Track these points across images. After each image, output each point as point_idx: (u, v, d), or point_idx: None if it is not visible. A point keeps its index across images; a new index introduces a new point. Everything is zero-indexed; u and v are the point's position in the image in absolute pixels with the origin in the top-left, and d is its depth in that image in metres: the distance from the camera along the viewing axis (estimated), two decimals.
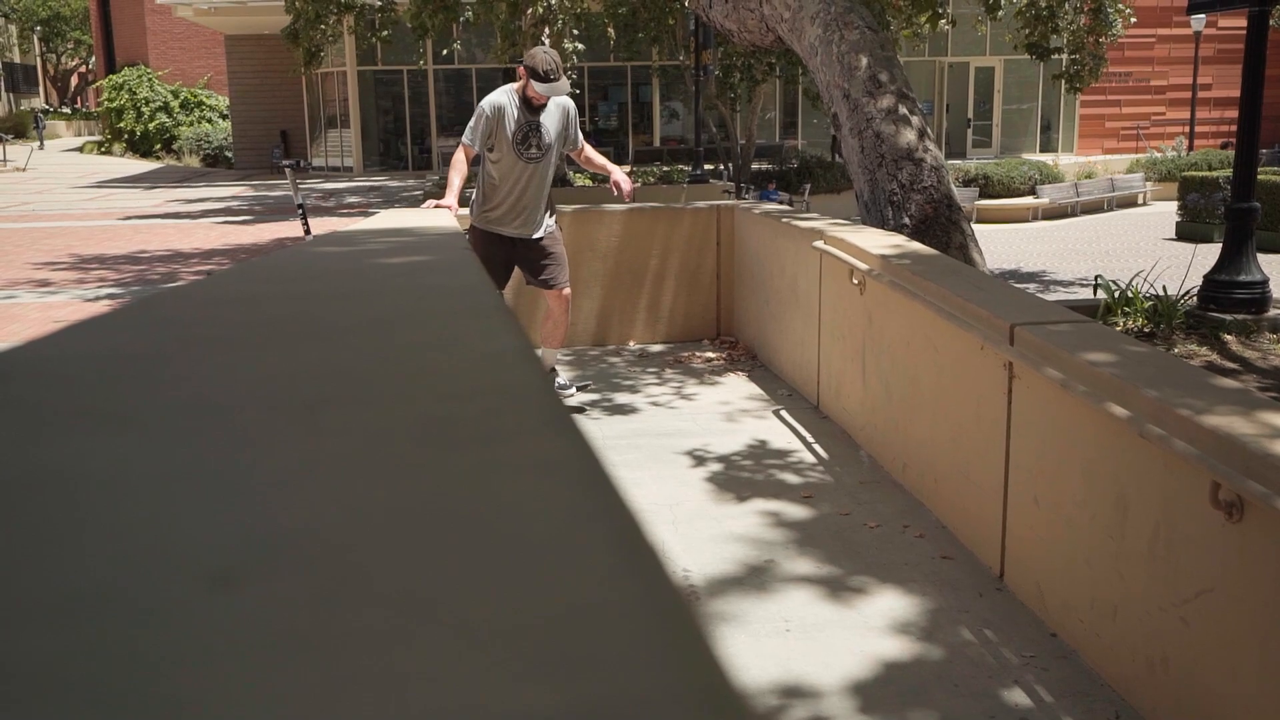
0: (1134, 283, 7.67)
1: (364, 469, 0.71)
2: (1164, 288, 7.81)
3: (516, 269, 6.06)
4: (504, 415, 0.85)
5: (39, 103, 50.37)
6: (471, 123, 5.73)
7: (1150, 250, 16.17)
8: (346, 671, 0.44)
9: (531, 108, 5.68)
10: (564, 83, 5.63)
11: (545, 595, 0.50)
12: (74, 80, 53.38)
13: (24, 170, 30.84)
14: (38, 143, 35.80)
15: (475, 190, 6.00)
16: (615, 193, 5.99)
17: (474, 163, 5.92)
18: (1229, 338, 7.12)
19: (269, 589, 0.51)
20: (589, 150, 6.12)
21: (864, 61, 6.78)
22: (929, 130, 6.81)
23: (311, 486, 0.67)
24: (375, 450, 0.75)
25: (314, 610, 0.49)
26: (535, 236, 5.92)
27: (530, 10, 16.70)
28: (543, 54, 5.63)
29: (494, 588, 0.51)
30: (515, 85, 5.75)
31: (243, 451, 0.75)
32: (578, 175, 22.55)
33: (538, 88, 5.57)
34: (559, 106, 5.81)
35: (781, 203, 18.45)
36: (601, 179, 6.71)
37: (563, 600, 0.50)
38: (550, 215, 6.01)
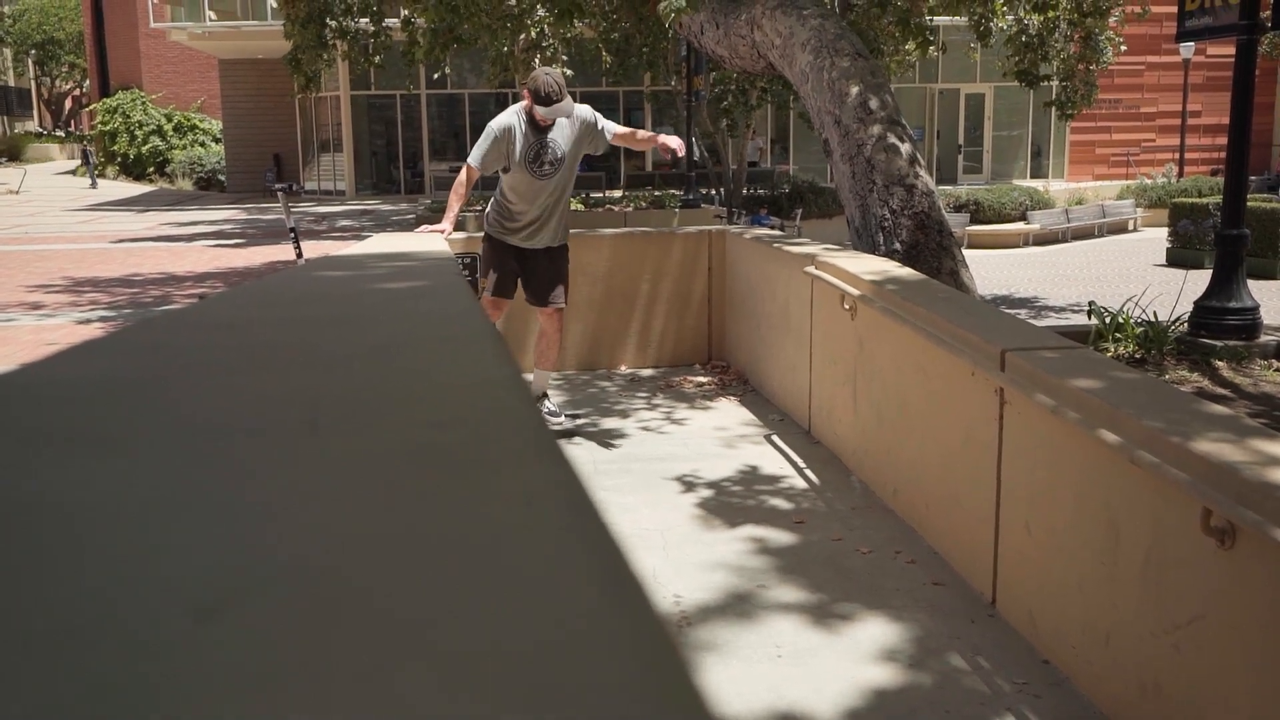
0: (1125, 309, 7.69)
1: (353, 496, 0.70)
2: (1155, 313, 7.83)
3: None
4: (492, 443, 0.84)
5: (32, 125, 50.38)
6: (479, 143, 5.70)
7: (1141, 276, 16.23)
8: (334, 699, 0.44)
9: (539, 127, 5.65)
10: (567, 103, 5.59)
11: (530, 623, 0.50)
12: (68, 104, 53.46)
13: (17, 193, 30.83)
14: (89, 182, 33.20)
15: (490, 202, 5.97)
16: (667, 156, 5.91)
17: (480, 185, 5.92)
18: (1220, 364, 7.14)
19: (257, 617, 0.51)
20: (622, 131, 6.01)
21: (855, 88, 6.81)
22: (919, 156, 6.84)
23: (300, 514, 0.67)
24: (365, 477, 0.75)
25: (301, 639, 0.49)
26: (547, 247, 5.91)
27: (523, 36, 16.76)
28: (544, 76, 5.59)
29: (480, 616, 0.51)
30: (524, 104, 5.70)
31: (233, 478, 0.75)
32: (570, 198, 22.56)
33: (540, 111, 5.55)
34: (570, 120, 5.75)
35: (773, 227, 18.49)
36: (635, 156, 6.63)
37: (547, 629, 0.49)
38: (565, 230, 6.00)
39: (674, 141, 5.82)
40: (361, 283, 2.12)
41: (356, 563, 0.59)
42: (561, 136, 5.70)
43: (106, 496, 0.70)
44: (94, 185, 32.62)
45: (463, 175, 5.78)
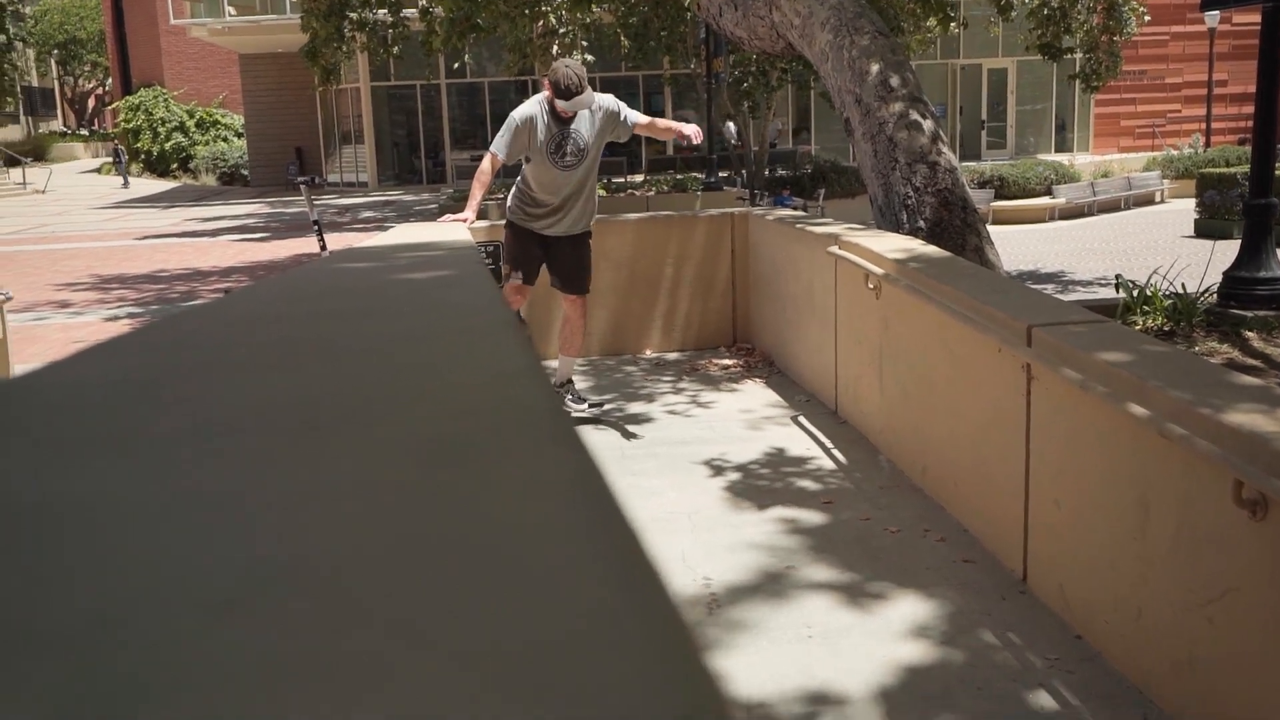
0: (1152, 281, 7.63)
1: (362, 492, 0.71)
2: (1183, 285, 7.76)
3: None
4: (507, 433, 0.84)
5: (56, 125, 50.75)
6: (501, 133, 5.68)
7: (1169, 248, 16.08)
8: (341, 698, 0.44)
9: (561, 118, 5.62)
10: (587, 95, 5.54)
11: (539, 618, 0.50)
12: (91, 102, 53.81)
13: (43, 193, 31.10)
14: (122, 180, 33.23)
15: (513, 189, 5.96)
16: (686, 143, 5.93)
17: (502, 173, 5.92)
18: (1250, 335, 7.07)
19: (264, 617, 0.51)
20: (644, 120, 5.99)
21: (875, 67, 6.77)
22: (942, 133, 6.80)
23: (309, 512, 0.67)
24: (375, 473, 0.75)
25: (308, 637, 0.49)
26: (569, 234, 5.90)
27: (541, 22, 16.74)
28: (564, 69, 5.54)
29: (488, 611, 0.51)
30: (546, 94, 5.66)
31: (243, 477, 0.75)
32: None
33: (560, 104, 5.52)
34: (593, 111, 5.71)
35: (796, 208, 18.43)
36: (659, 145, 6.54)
37: (557, 623, 0.49)
38: (589, 219, 5.98)
39: (690, 129, 5.83)
40: (382, 274, 2.12)
41: (363, 561, 0.59)
42: (584, 127, 5.67)
43: (118, 498, 0.71)
44: (126, 184, 32.61)
45: (485, 164, 5.76)
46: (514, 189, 5.92)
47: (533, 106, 5.65)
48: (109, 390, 1.06)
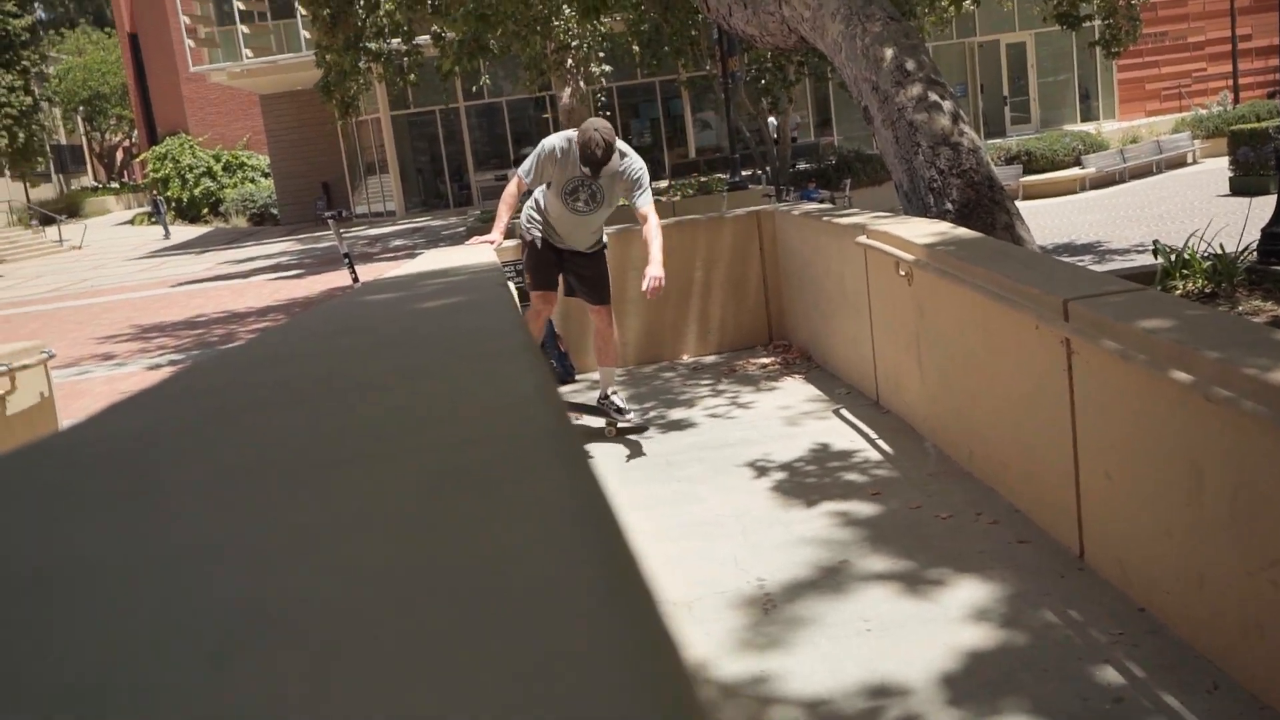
0: (1190, 243, 7.53)
1: (367, 530, 0.71)
2: (1220, 246, 7.65)
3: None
4: (513, 460, 0.85)
5: (87, 180, 51.52)
6: (529, 159, 5.68)
7: (1205, 209, 15.87)
8: None
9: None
10: (612, 165, 5.46)
11: (531, 647, 0.50)
12: (119, 155, 54.58)
13: (80, 248, 31.56)
14: (163, 232, 32.52)
15: (528, 204, 5.96)
16: (648, 285, 5.53)
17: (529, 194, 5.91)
18: None
19: (265, 663, 0.52)
20: (647, 227, 5.64)
21: (889, 52, 6.73)
22: (962, 113, 6.74)
23: (315, 553, 0.68)
24: (381, 509, 0.76)
25: (307, 682, 0.49)
26: (583, 250, 5.94)
27: (553, 39, 16.81)
28: (592, 132, 5.41)
29: (484, 644, 0.51)
30: (576, 133, 5.58)
31: (254, 522, 0.76)
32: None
33: (583, 168, 5.49)
34: (618, 173, 5.60)
35: (822, 200, 18.37)
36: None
37: (546, 651, 0.49)
38: (599, 239, 6.00)
39: (650, 283, 5.50)
40: (404, 304, 2.14)
41: (363, 601, 0.60)
42: (607, 184, 5.65)
43: (130, 554, 0.72)
44: (168, 234, 32.33)
45: (511, 186, 5.78)
46: (527, 205, 5.95)
47: (563, 141, 5.62)
48: (135, 444, 1.08)
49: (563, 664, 0.47)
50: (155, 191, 36.41)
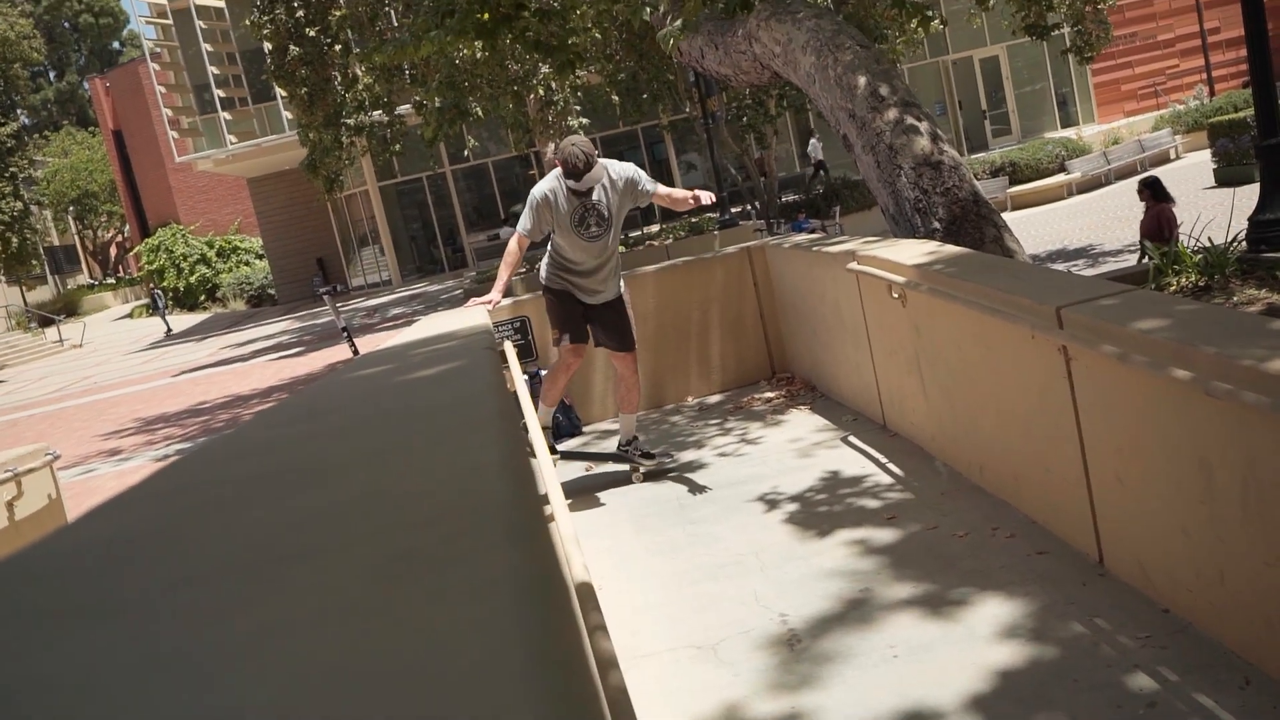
0: (1178, 239, 7.54)
1: (317, 626, 0.73)
2: (1209, 239, 7.67)
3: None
4: (465, 538, 0.86)
5: (83, 278, 51.81)
6: (525, 214, 5.71)
7: (1192, 202, 15.91)
8: None
9: (579, 192, 5.61)
10: (597, 169, 5.55)
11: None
12: (113, 251, 54.94)
13: (80, 346, 31.70)
14: (165, 327, 31.44)
15: (545, 258, 5.98)
16: (704, 202, 5.80)
17: (538, 245, 5.93)
18: None
19: None
20: (663, 191, 5.89)
21: (862, 80, 6.79)
22: (940, 132, 6.79)
23: (261, 658, 0.69)
24: (332, 602, 0.77)
25: None
26: (606, 301, 5.93)
27: (532, 96, 16.96)
28: (570, 148, 5.54)
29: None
30: (559, 170, 5.66)
31: (207, 630, 0.77)
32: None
33: (571, 185, 5.56)
34: (609, 177, 5.71)
35: (813, 230, 18.44)
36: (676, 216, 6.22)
37: None
38: (619, 279, 6.00)
39: (705, 195, 5.76)
40: (389, 378, 2.16)
41: (299, 699, 0.61)
42: (604, 197, 5.65)
43: (84, 671, 0.73)
44: (169, 330, 31.31)
45: (513, 244, 5.79)
46: (546, 258, 5.95)
47: (550, 182, 5.67)
48: (102, 553, 1.10)
49: None
50: (152, 284, 36.32)
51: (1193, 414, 3.03)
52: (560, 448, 6.59)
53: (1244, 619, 3.01)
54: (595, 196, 5.62)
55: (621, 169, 5.77)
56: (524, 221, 5.70)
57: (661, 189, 5.88)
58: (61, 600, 0.94)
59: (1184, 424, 3.09)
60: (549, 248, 5.91)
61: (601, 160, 5.66)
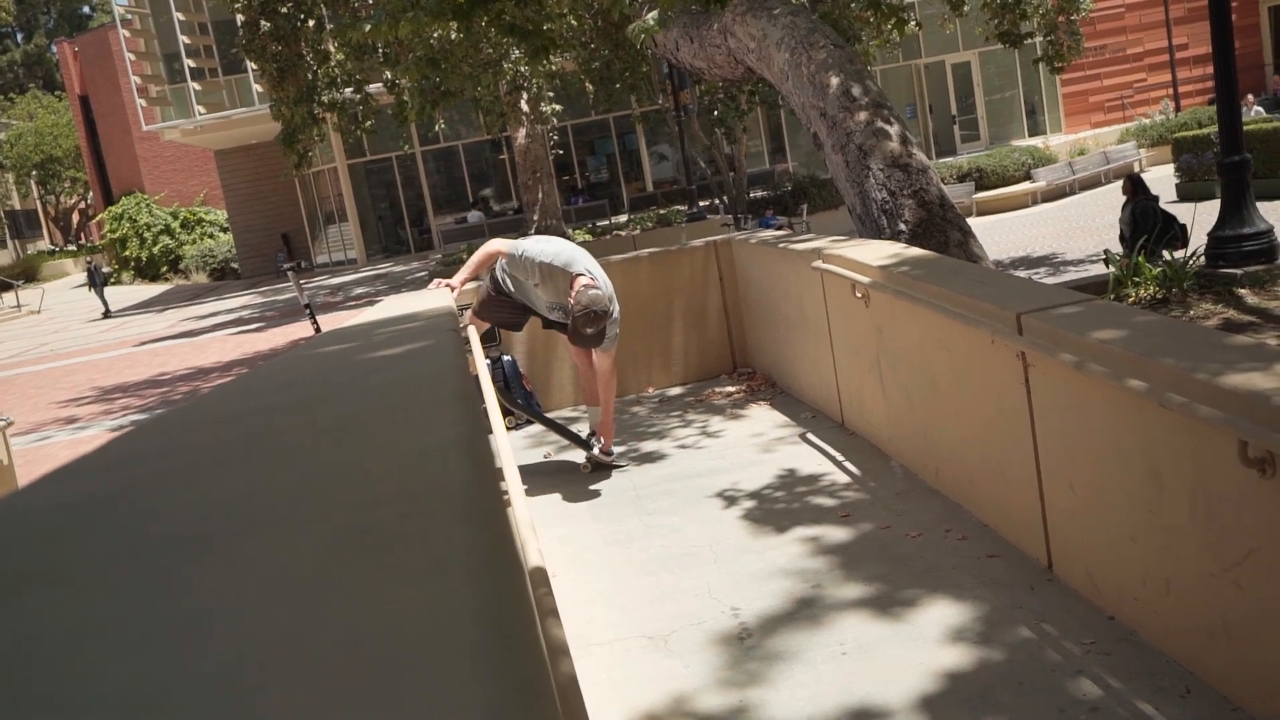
0: (1139, 251, 7.64)
1: (266, 600, 0.73)
2: (1169, 252, 7.77)
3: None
4: (418, 517, 0.87)
5: (44, 244, 51.10)
6: (527, 255, 5.72)
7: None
8: None
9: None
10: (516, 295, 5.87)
11: (414, 707, 0.52)
12: (75, 217, 54.21)
13: (39, 313, 31.26)
14: (102, 307, 27.06)
15: (497, 269, 5.95)
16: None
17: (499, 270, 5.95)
18: (1244, 291, 7.07)
19: None
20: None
21: (835, 79, 6.82)
22: (910, 135, 6.84)
23: (211, 628, 0.69)
24: (283, 575, 0.77)
25: None
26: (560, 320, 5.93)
27: (504, 80, 16.89)
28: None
29: (368, 704, 0.53)
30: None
31: (157, 599, 0.77)
32: (577, 230, 22.68)
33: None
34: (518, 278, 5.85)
35: (780, 227, 18.49)
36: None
37: (428, 711, 0.51)
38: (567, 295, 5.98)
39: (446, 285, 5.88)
40: (352, 355, 2.16)
41: (262, 670, 0.61)
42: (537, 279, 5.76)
43: (29, 638, 0.73)
44: (107, 310, 27.08)
45: (492, 248, 5.81)
46: (497, 269, 5.93)
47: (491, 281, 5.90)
48: (62, 516, 1.09)
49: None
50: (89, 259, 33.25)
51: (1146, 425, 3.07)
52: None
53: (1187, 628, 3.06)
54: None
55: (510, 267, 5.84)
56: (510, 244, 5.81)
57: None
58: (3, 565, 0.93)
59: (1137, 434, 3.13)
60: (501, 276, 5.91)
61: (529, 256, 5.69)
